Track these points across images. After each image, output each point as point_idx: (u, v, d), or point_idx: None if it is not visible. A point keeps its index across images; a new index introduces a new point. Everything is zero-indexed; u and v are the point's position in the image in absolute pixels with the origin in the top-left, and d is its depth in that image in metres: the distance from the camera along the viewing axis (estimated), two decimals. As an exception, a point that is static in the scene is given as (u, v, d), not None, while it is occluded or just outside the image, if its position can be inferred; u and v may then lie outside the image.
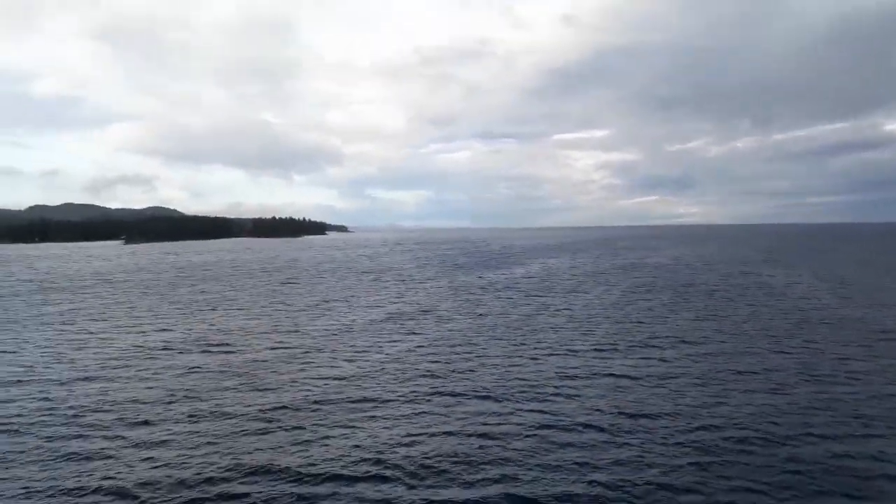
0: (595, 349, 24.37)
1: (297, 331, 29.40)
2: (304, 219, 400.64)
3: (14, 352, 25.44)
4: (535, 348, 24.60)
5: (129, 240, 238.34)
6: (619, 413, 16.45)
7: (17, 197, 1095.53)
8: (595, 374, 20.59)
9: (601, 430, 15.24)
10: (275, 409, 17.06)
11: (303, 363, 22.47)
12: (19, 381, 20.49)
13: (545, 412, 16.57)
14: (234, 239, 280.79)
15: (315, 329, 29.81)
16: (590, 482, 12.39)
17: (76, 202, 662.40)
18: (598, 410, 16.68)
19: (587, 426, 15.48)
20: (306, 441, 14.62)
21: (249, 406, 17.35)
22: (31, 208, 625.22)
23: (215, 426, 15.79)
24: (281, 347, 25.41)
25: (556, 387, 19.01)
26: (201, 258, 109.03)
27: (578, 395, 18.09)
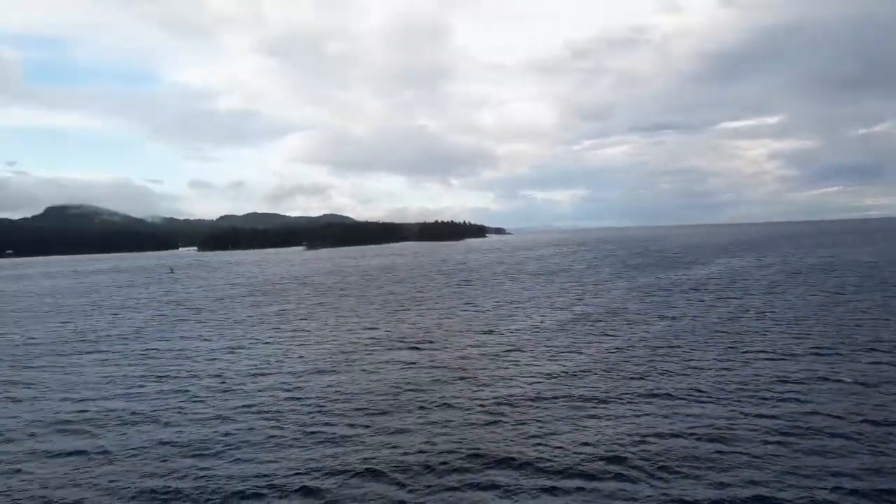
0: (813, 353, 22.76)
1: (491, 330, 30.42)
2: (464, 222, 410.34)
3: (247, 348, 28.85)
4: (745, 351, 23.47)
5: (310, 246, 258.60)
6: (863, 420, 15.33)
7: (208, 207, 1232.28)
8: (821, 378, 19.28)
9: (845, 437, 14.32)
10: (495, 403, 17.90)
11: (507, 361, 23.27)
12: (261, 373, 23.24)
13: (775, 417, 15.85)
14: (401, 243, 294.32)
15: (508, 329, 30.66)
16: (839, 489, 11.77)
17: (259, 211, 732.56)
18: (836, 417, 15.66)
19: (828, 433, 14.62)
20: (535, 435, 15.21)
21: (471, 399, 18.36)
22: (221, 218, 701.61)
23: (445, 417, 16.92)
24: (482, 345, 26.48)
25: (779, 391, 18.08)
26: (379, 262, 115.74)
27: (808, 401, 17.08)
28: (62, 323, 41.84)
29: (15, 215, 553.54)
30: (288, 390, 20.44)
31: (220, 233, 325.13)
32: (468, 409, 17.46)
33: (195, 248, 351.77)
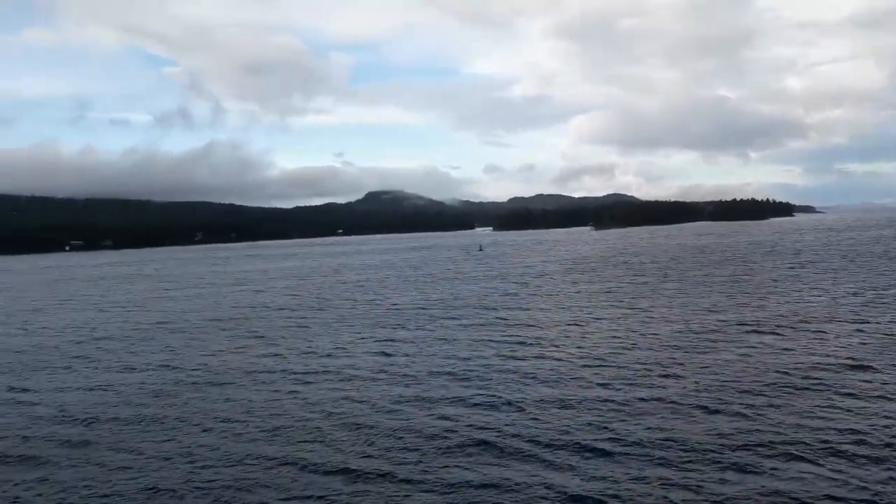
0: None
1: (862, 320, 27.26)
2: (766, 199, 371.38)
3: (590, 323, 30.09)
4: None
5: (598, 226, 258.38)
6: None
7: (499, 190, 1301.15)
8: None
9: None
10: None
11: (905, 355, 20.71)
12: (626, 347, 24.10)
13: None
14: (694, 223, 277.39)
15: (884, 319, 27.15)
16: None
17: (545, 192, 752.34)
18: None
19: None
20: None
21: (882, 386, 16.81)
22: (511, 200, 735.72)
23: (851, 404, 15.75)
24: (858, 334, 23.94)
25: None
26: (680, 242, 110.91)
27: None
28: (418, 292, 48.26)
29: (343, 200, 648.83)
30: (665, 366, 20.80)
31: (513, 213, 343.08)
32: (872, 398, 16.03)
33: (490, 228, 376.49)
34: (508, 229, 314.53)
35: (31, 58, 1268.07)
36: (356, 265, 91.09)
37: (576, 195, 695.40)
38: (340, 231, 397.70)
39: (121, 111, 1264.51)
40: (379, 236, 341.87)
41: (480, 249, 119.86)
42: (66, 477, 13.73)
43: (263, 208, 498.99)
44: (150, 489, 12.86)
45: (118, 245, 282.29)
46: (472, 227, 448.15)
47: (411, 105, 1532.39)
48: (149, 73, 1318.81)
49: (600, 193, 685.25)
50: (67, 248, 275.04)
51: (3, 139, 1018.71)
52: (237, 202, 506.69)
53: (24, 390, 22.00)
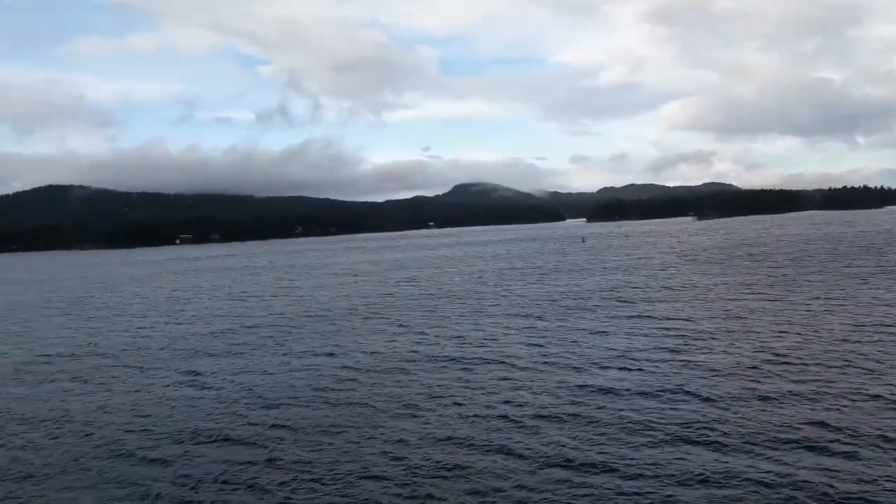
0: None
1: None
2: (880, 187, 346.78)
3: (750, 318, 28.71)
4: None
5: (700, 216, 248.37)
6: None
7: (587, 180, 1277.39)
8: None
9: None
10: None
11: None
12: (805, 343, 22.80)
13: None
14: (803, 212, 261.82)
15: None
16: None
17: (637, 182, 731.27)
18: None
19: None
20: None
21: None
22: (600, 190, 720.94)
23: None
24: None
25: None
26: (800, 231, 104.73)
27: None
28: (540, 283, 47.91)
29: (430, 193, 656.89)
30: (852, 360, 19.55)
31: (606, 204, 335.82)
32: None
33: (582, 219, 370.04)
34: (601, 220, 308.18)
35: (138, 61, 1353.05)
36: (463, 256, 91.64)
37: (669, 185, 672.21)
38: (431, 224, 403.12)
39: (221, 110, 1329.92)
40: (470, 228, 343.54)
41: (583, 241, 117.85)
42: (295, 457, 14.34)
43: (357, 202, 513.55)
44: (375, 477, 13.16)
45: (224, 238, 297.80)
46: (562, 219, 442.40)
47: (496, 97, 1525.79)
48: (244, 72, 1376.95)
49: (696, 183, 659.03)
50: (178, 241, 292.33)
51: (116, 139, 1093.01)
52: (332, 196, 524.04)
53: (198, 374, 23.15)
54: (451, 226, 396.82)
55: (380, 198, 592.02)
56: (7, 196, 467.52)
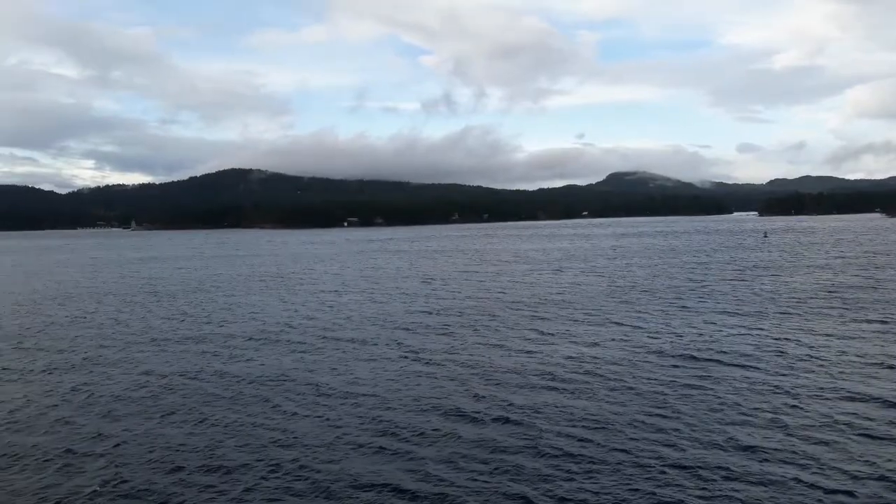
0: None
1: None
2: None
3: None
4: None
5: (890, 212, 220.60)
6: None
7: (756, 171, 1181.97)
8: None
9: None
10: None
11: None
12: None
13: None
14: None
15: None
16: None
17: (814, 175, 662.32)
18: None
19: None
20: None
21: None
22: (770, 182, 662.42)
23: None
24: None
25: None
26: None
27: None
28: (740, 280, 45.05)
29: (583, 181, 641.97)
30: None
31: (782, 197, 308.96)
32: None
33: (752, 212, 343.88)
34: (775, 214, 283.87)
35: (311, 52, 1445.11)
36: (631, 247, 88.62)
37: (850, 177, 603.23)
38: (585, 213, 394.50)
39: (387, 99, 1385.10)
40: (626, 219, 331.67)
41: (765, 236, 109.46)
42: (567, 447, 14.46)
43: (509, 190, 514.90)
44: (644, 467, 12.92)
45: (387, 222, 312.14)
46: (728, 212, 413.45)
47: (657, 81, 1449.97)
48: (407, 62, 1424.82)
49: (881, 176, 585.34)
50: (346, 223, 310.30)
51: (292, 127, 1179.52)
52: (484, 184, 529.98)
53: (420, 351, 24.14)
54: (605, 216, 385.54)
55: (532, 186, 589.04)
56: (195, 178, 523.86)
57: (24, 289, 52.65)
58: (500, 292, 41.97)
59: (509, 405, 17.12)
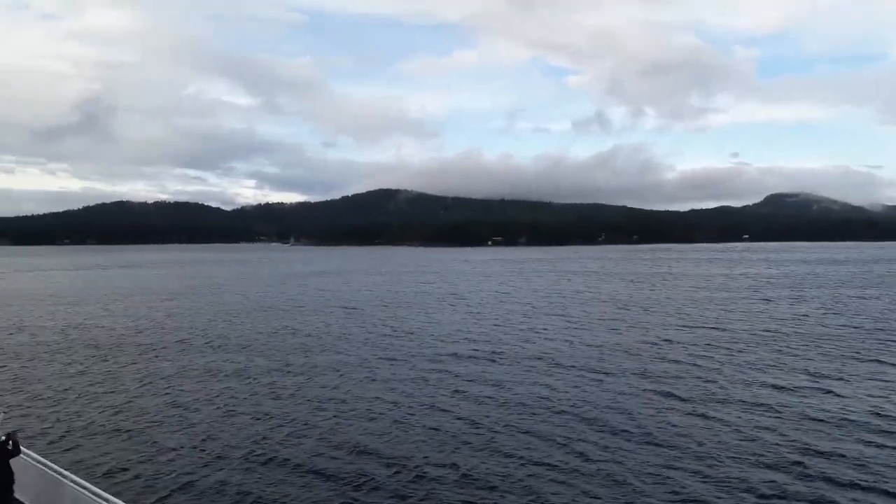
0: None
1: None
2: None
3: None
4: None
5: None
6: None
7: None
8: None
9: None
10: None
11: None
12: None
13: None
14: None
15: None
16: None
17: None
18: None
19: None
20: None
21: None
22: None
23: None
24: None
25: None
26: None
27: None
28: None
29: (738, 203, 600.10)
30: None
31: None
32: None
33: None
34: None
35: (460, 77, 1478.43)
36: (835, 276, 79.10)
37: None
38: (746, 236, 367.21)
39: (537, 120, 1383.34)
40: (796, 244, 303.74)
41: None
42: None
43: (658, 211, 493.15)
44: None
45: (530, 242, 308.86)
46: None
47: (823, 97, 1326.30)
48: (553, 83, 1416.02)
49: None
50: (489, 242, 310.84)
51: (440, 149, 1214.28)
52: (630, 204, 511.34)
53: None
54: (767, 240, 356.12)
55: (682, 206, 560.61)
56: (347, 197, 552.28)
57: (257, 298, 55.52)
58: (727, 321, 37.85)
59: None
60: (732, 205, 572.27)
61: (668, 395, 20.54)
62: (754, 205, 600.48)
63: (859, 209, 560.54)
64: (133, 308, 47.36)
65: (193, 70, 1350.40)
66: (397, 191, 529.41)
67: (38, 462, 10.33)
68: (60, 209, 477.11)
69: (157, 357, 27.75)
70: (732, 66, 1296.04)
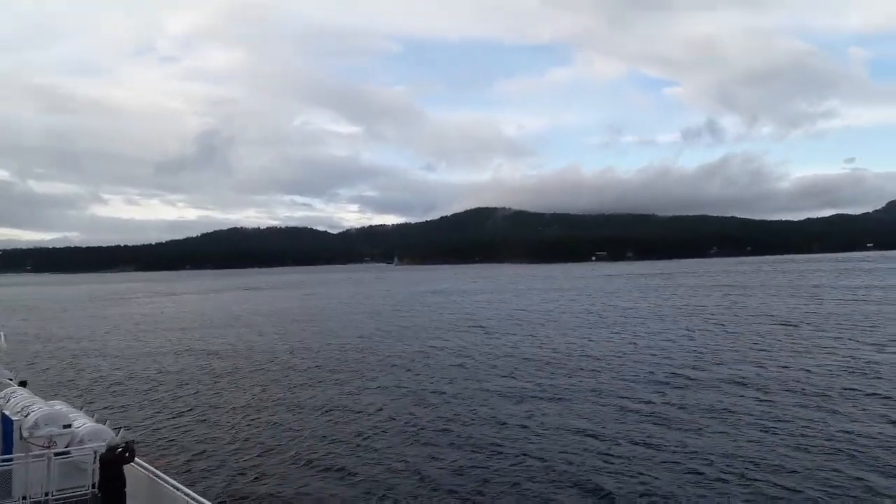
0: None
1: None
2: None
3: None
4: None
5: None
6: None
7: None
8: None
9: None
10: None
11: None
12: None
13: None
14: None
15: None
16: None
17: None
18: None
19: None
20: None
21: None
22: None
23: None
24: None
25: None
26: None
27: None
28: None
29: (856, 210, 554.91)
30: None
31: None
32: None
33: None
34: None
35: (555, 94, 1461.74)
36: None
37: None
38: (870, 245, 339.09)
39: (631, 134, 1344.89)
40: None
41: None
42: None
43: (770, 221, 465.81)
44: None
45: (637, 256, 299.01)
46: None
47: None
48: (651, 95, 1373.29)
49: None
50: (594, 258, 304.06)
51: (537, 167, 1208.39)
52: (738, 214, 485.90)
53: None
54: (894, 248, 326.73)
55: (795, 216, 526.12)
56: (445, 217, 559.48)
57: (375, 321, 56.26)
58: None
59: None
60: (849, 212, 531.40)
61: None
62: (875, 212, 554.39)
63: None
64: (274, 327, 48.83)
65: (299, 101, 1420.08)
66: (495, 209, 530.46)
67: (149, 471, 11.01)
68: (180, 237, 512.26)
69: (312, 379, 27.97)
70: (842, 69, 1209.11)
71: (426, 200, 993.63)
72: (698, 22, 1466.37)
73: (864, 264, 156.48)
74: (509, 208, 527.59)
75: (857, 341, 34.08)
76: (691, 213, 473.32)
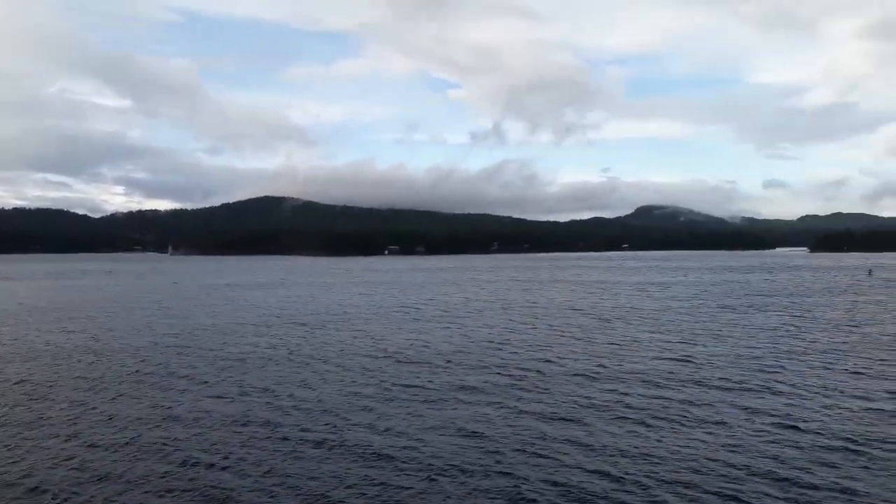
0: None
1: None
2: None
3: None
4: None
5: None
6: None
7: (783, 207, 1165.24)
8: None
9: None
10: None
11: None
12: None
13: None
14: None
15: None
16: None
17: (845, 211, 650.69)
18: None
19: None
20: None
21: None
22: (800, 219, 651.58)
23: None
24: None
25: None
26: None
27: None
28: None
29: (611, 214, 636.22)
30: None
31: (833, 234, 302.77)
32: None
33: (799, 248, 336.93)
34: (827, 250, 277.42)
35: (345, 86, 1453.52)
36: (745, 286, 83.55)
37: (884, 214, 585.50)
38: (626, 245, 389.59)
39: (420, 132, 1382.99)
40: (674, 252, 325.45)
41: (870, 273, 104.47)
42: None
43: (541, 221, 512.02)
44: None
45: (428, 251, 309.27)
46: (770, 247, 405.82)
47: (684, 117, 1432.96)
48: (437, 96, 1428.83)
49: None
50: (386, 251, 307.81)
51: (328, 157, 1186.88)
52: (515, 215, 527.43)
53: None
54: (643, 248, 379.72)
55: (562, 217, 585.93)
56: (227, 204, 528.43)
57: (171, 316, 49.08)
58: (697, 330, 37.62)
59: None
60: (605, 216, 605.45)
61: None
62: (626, 216, 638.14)
63: (720, 221, 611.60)
64: (48, 324, 40.27)
65: (58, 68, 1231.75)
66: (283, 199, 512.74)
67: None
68: None
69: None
70: (605, 86, 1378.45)
71: (206, 185, 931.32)
72: (483, 28, 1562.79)
73: (629, 263, 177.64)
74: (298, 199, 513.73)
75: (664, 332, 36.84)
76: (474, 212, 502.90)
